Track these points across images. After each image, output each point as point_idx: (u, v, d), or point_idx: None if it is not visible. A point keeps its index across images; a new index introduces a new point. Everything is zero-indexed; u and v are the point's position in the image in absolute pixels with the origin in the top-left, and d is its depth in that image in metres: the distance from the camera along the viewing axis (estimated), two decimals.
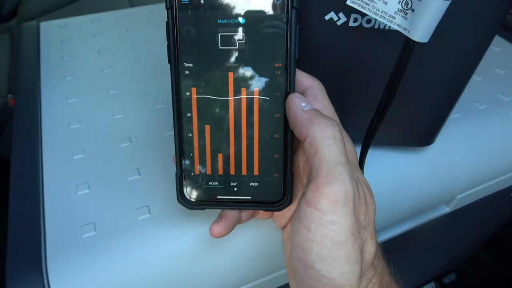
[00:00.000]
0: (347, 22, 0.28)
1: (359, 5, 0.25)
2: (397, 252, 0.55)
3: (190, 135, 0.27)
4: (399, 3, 0.23)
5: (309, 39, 0.29)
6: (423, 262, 0.70)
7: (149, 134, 0.39)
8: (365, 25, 0.28)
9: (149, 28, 0.54)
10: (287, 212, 0.28)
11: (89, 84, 0.45)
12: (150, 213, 0.32)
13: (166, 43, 0.25)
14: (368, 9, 0.25)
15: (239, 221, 0.28)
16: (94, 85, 0.45)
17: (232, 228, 0.27)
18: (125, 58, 0.49)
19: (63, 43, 0.52)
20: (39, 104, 0.43)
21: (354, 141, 0.32)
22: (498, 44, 0.56)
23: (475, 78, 0.49)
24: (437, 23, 0.23)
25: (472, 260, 0.92)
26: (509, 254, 0.90)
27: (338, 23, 0.28)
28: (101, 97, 0.43)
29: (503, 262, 0.92)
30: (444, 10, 0.22)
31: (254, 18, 0.24)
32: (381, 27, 0.28)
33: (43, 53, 0.50)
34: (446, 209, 0.47)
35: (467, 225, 0.62)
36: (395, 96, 0.27)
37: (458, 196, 0.45)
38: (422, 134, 0.37)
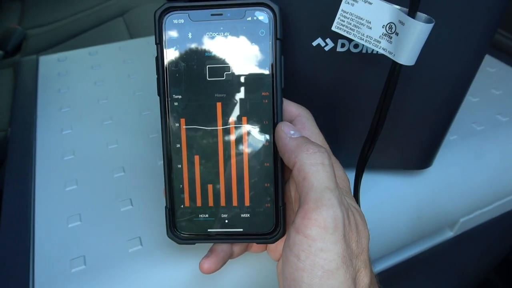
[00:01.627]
0: (334, 47, 0.28)
1: (344, 30, 0.25)
2: (400, 282, 0.54)
3: (180, 166, 0.26)
4: (383, 27, 0.24)
5: (298, 66, 0.29)
6: None
7: (142, 164, 0.39)
8: (353, 50, 0.28)
9: (145, 58, 0.55)
10: (281, 243, 0.27)
11: (85, 115, 0.45)
12: (141, 244, 0.32)
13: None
14: (354, 34, 0.25)
15: (231, 255, 0.27)
16: (89, 116, 0.45)
17: (223, 263, 0.26)
18: (121, 88, 0.50)
19: (61, 75, 0.53)
20: (34, 135, 0.43)
21: (349, 166, 0.31)
22: (493, 65, 0.56)
23: (472, 99, 0.49)
24: (422, 46, 0.23)
25: (484, 286, 0.89)
26: None
27: (326, 48, 0.28)
28: (96, 127, 0.44)
29: None
30: (428, 33, 0.22)
31: (240, 49, 0.25)
32: (369, 51, 0.28)
33: (41, 86, 0.51)
34: (450, 234, 0.46)
35: (474, 250, 0.60)
36: (386, 120, 0.27)
37: (461, 220, 0.44)
38: (419, 157, 0.36)
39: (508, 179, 0.44)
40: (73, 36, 1.14)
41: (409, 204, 0.38)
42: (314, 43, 0.28)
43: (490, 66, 0.55)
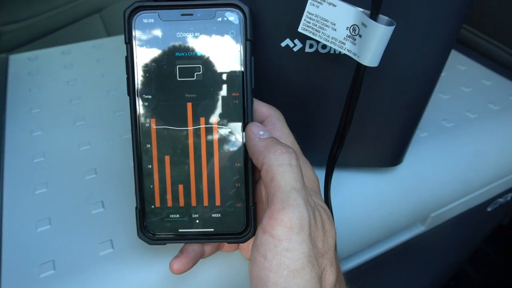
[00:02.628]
0: (303, 48, 0.28)
1: (310, 32, 0.25)
2: (375, 276, 0.55)
3: (150, 166, 0.26)
4: (347, 29, 0.24)
5: (267, 66, 0.29)
6: (406, 284, 0.69)
7: (115, 165, 0.38)
8: (321, 51, 0.29)
9: (119, 57, 0.54)
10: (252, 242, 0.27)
11: (56, 116, 0.44)
12: (113, 247, 0.31)
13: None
14: (319, 35, 0.25)
15: (202, 255, 0.27)
16: (61, 116, 0.44)
17: (194, 263, 0.26)
18: (94, 88, 0.49)
19: (32, 75, 0.51)
20: (3, 137, 0.42)
21: (321, 164, 0.32)
22: (463, 63, 0.57)
23: (442, 96, 0.50)
24: (385, 47, 0.23)
25: (459, 277, 0.92)
26: (494, 267, 0.89)
27: (295, 49, 0.29)
28: (67, 128, 0.43)
29: (490, 277, 0.92)
30: (389, 35, 0.23)
31: (210, 50, 0.25)
32: (336, 52, 0.28)
33: (11, 86, 0.49)
34: (421, 228, 0.47)
35: (447, 243, 0.61)
36: (354, 119, 0.27)
37: (432, 215, 0.45)
38: (389, 155, 0.37)
39: (477, 174, 0.45)
40: (49, 33, 1.11)
41: (380, 200, 0.39)
42: (283, 44, 0.28)
43: (460, 64, 0.57)
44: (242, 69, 0.25)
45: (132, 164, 0.26)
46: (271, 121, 0.27)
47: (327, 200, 0.31)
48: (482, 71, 0.56)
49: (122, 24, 0.25)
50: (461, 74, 0.55)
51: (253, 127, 0.25)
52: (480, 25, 0.63)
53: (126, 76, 0.26)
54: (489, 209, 0.57)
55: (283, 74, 0.30)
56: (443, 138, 0.44)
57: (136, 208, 0.26)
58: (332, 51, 0.29)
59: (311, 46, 0.28)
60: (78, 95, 0.48)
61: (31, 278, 0.29)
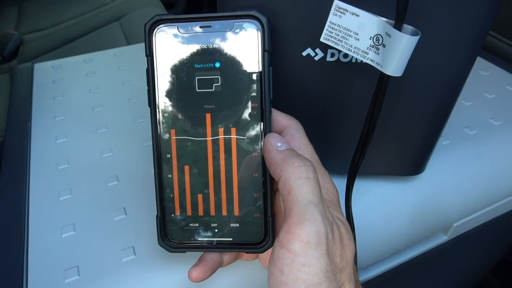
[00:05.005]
0: (324, 57, 0.28)
1: (333, 41, 0.25)
2: (398, 285, 0.54)
3: (170, 176, 0.27)
4: (370, 39, 0.24)
5: (288, 75, 0.29)
6: None
7: (136, 172, 0.39)
8: (343, 60, 0.28)
9: (139, 65, 0.54)
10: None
11: (79, 124, 0.45)
12: (135, 254, 0.32)
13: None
14: (342, 45, 0.25)
15: (220, 264, 0.27)
16: (84, 124, 0.45)
17: (212, 272, 0.26)
18: (116, 96, 0.50)
19: (56, 83, 0.53)
20: (29, 144, 0.43)
21: (342, 172, 0.32)
22: (486, 69, 0.56)
23: (464, 103, 0.49)
24: (409, 57, 0.23)
25: (482, 287, 0.89)
26: None
27: (316, 58, 0.29)
28: (90, 136, 0.44)
29: None
30: (414, 45, 0.22)
31: (229, 61, 0.25)
32: (358, 61, 0.28)
33: (36, 93, 0.51)
34: (444, 238, 0.46)
35: (470, 252, 0.60)
36: (377, 128, 0.27)
37: (455, 224, 0.44)
38: (411, 163, 0.36)
39: (501, 183, 0.44)
40: (70, 41, 1.14)
41: (402, 209, 0.38)
42: (304, 53, 0.28)
43: (483, 69, 0.55)
44: (260, 80, 0.25)
45: (153, 171, 0.27)
46: (289, 132, 0.26)
47: (348, 210, 0.30)
48: (506, 76, 0.55)
49: (140, 31, 0.26)
50: (484, 80, 0.53)
51: (271, 138, 0.24)
52: (503, 30, 0.61)
53: (147, 87, 0.26)
54: None
55: (304, 83, 0.30)
56: (466, 146, 0.43)
57: (157, 216, 0.27)
58: (354, 60, 0.28)
59: (332, 55, 0.28)
60: (100, 102, 0.49)
61: (56, 283, 0.30)
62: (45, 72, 0.55)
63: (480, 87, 0.52)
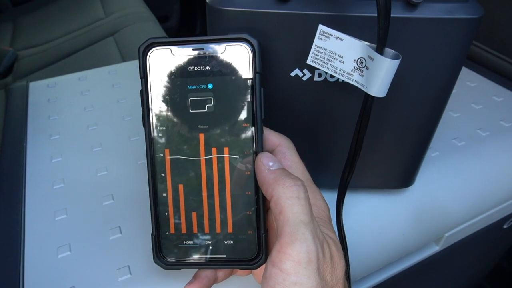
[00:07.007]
0: (312, 77, 0.29)
1: (319, 64, 0.26)
2: None
3: (165, 194, 0.27)
4: (354, 61, 0.25)
5: (277, 95, 0.30)
6: None
7: (131, 191, 0.39)
8: (330, 80, 0.29)
9: (133, 82, 0.56)
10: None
11: (74, 142, 0.46)
12: (130, 273, 0.32)
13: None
14: (327, 67, 0.26)
15: (215, 280, 0.28)
16: (79, 143, 0.46)
17: None
18: (110, 114, 0.50)
19: (51, 102, 0.53)
20: (24, 164, 0.43)
21: (333, 187, 0.32)
22: (473, 80, 0.57)
23: (452, 114, 0.50)
24: (391, 78, 0.24)
25: None
26: None
27: (304, 78, 0.29)
28: (85, 154, 0.44)
29: None
30: (395, 67, 0.23)
31: (221, 83, 0.26)
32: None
33: (31, 112, 0.52)
34: (436, 248, 0.46)
35: (464, 261, 0.60)
36: (365, 144, 0.28)
37: (446, 234, 0.45)
38: (401, 176, 0.37)
39: (491, 192, 0.45)
40: (65, 57, 1.15)
41: (393, 221, 0.39)
42: (293, 74, 0.29)
43: (470, 80, 0.57)
44: (252, 101, 0.26)
45: (148, 190, 0.27)
46: (281, 151, 0.27)
47: (339, 225, 0.31)
48: (492, 87, 0.56)
49: (134, 46, 0.27)
50: (471, 91, 0.55)
51: (263, 158, 0.25)
52: (488, 40, 0.63)
53: (141, 108, 0.27)
54: (505, 226, 0.56)
55: (293, 102, 0.31)
56: (455, 157, 0.44)
57: (152, 234, 0.27)
58: (340, 80, 0.29)
59: (319, 75, 0.29)
60: (95, 121, 0.49)
61: None
62: (40, 91, 0.56)
63: (467, 98, 0.53)
